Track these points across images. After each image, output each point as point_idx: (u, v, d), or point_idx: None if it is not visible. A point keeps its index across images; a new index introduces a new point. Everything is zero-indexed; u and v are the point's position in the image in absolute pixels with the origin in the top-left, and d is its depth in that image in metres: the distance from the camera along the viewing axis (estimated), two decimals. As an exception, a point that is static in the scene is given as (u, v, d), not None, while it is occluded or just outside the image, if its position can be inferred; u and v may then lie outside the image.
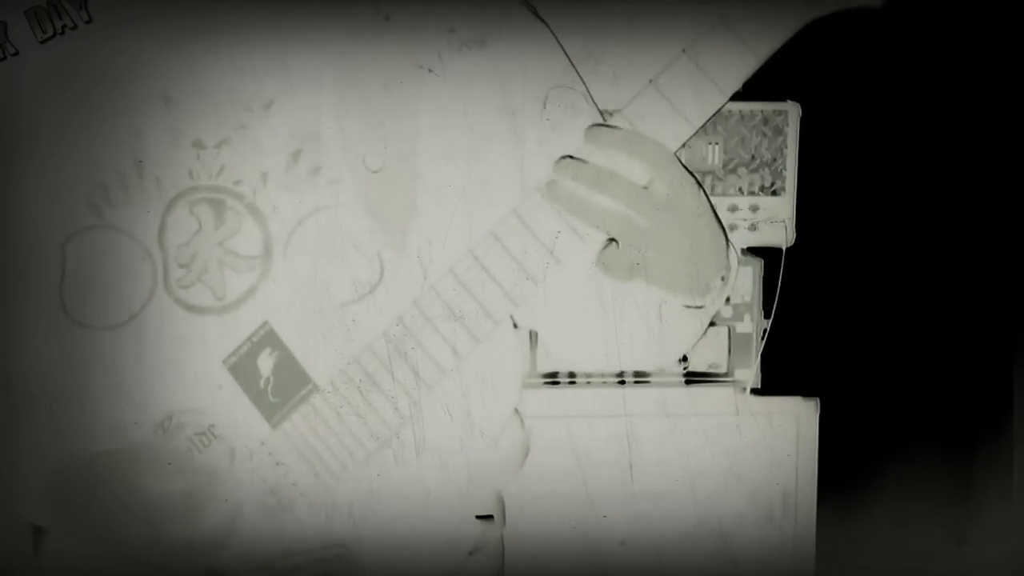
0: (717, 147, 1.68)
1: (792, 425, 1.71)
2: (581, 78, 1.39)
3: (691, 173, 1.38)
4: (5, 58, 1.32)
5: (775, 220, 1.70)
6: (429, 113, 1.38)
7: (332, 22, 1.36)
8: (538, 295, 1.40)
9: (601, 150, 1.36)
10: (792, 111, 1.67)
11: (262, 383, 1.37)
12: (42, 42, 1.33)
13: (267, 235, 1.36)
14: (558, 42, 1.39)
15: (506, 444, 1.46)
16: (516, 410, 1.47)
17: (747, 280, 1.72)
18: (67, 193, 1.34)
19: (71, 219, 1.34)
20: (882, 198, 1.73)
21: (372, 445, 1.39)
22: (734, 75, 1.36)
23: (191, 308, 1.36)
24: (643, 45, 1.40)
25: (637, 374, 1.71)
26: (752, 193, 1.69)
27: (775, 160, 1.68)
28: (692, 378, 1.73)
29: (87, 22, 1.33)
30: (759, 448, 1.70)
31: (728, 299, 1.71)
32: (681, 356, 1.67)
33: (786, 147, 1.68)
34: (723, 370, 1.73)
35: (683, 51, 1.35)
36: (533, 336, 1.67)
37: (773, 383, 1.73)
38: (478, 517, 1.45)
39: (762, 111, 1.67)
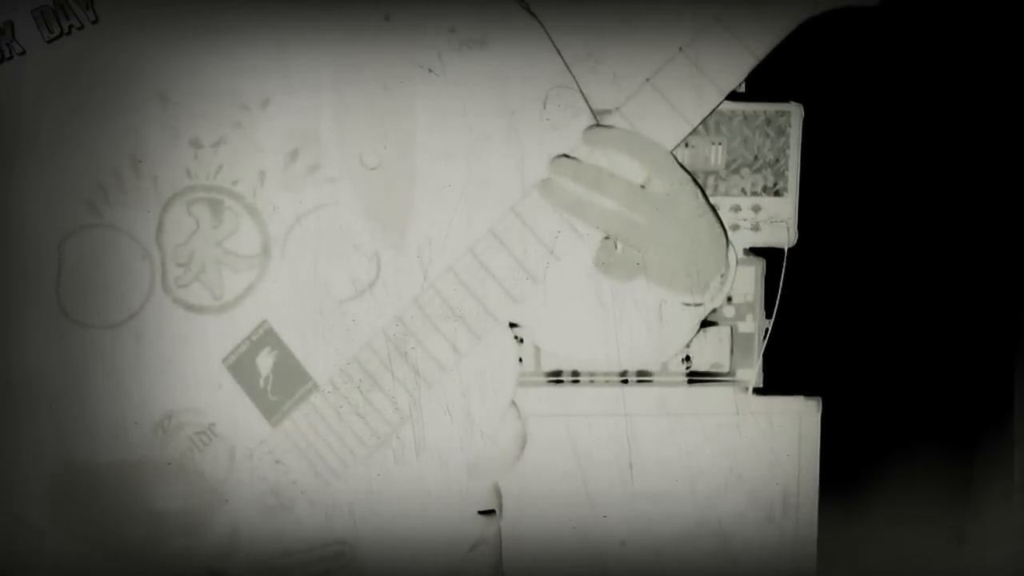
0: (720, 147, 1.67)
1: (794, 425, 1.71)
2: (574, 77, 1.40)
3: (689, 173, 1.38)
4: (12, 57, 1.33)
5: (777, 220, 1.70)
6: (429, 113, 1.38)
7: (332, 22, 1.37)
8: (538, 294, 1.40)
9: (598, 150, 1.36)
10: (795, 112, 1.67)
11: (261, 382, 1.38)
12: (49, 42, 1.33)
13: (265, 234, 1.36)
14: (551, 42, 1.39)
15: (504, 437, 1.46)
16: (513, 402, 1.47)
17: (749, 280, 1.72)
18: (66, 192, 1.34)
19: (69, 218, 1.34)
20: (884, 199, 1.73)
21: (372, 443, 1.40)
22: (731, 73, 1.36)
23: (190, 307, 1.36)
24: (643, 45, 1.40)
25: (640, 373, 1.71)
26: (755, 193, 1.69)
27: (778, 161, 1.68)
28: (695, 377, 1.73)
29: (94, 22, 1.33)
30: (759, 448, 1.70)
31: (730, 298, 1.71)
32: (673, 356, 1.67)
33: (788, 148, 1.68)
34: (725, 370, 1.73)
35: (680, 49, 1.35)
36: (536, 335, 1.67)
37: (775, 383, 1.72)
38: (480, 512, 1.45)
39: (765, 112, 1.67)
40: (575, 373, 1.71)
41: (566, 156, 1.37)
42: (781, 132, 1.67)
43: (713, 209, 1.41)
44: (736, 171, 1.68)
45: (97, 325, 1.36)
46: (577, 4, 1.44)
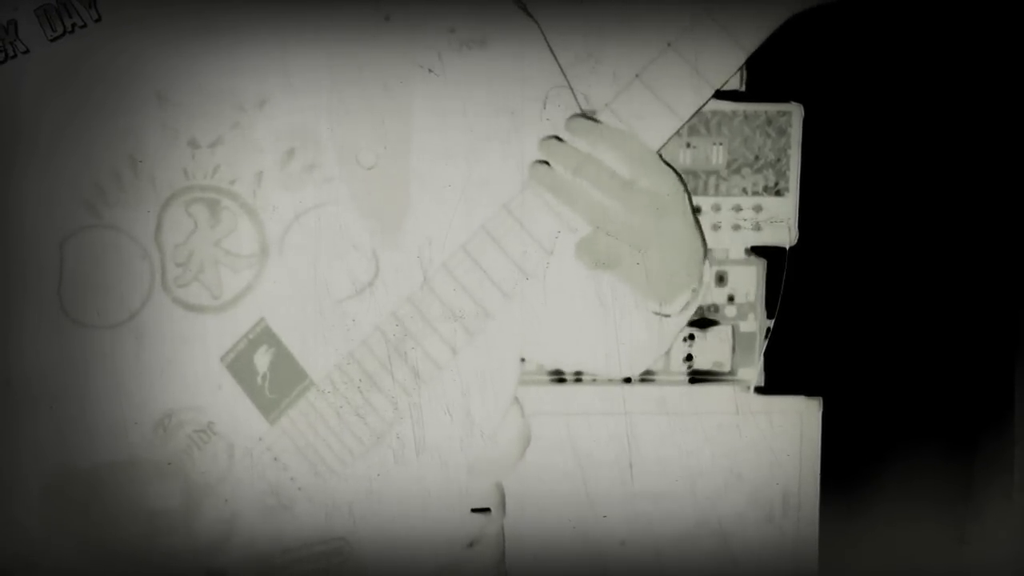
0: (721, 147, 1.68)
1: (795, 424, 1.71)
2: (566, 78, 1.39)
3: (678, 173, 1.37)
4: (16, 56, 1.33)
5: (778, 220, 1.70)
6: (429, 113, 1.38)
7: (332, 22, 1.37)
8: (537, 293, 1.40)
9: (583, 140, 1.35)
10: (795, 112, 1.67)
11: (259, 380, 1.38)
12: (52, 40, 1.33)
13: (262, 233, 1.36)
14: (546, 42, 1.39)
15: (507, 434, 1.46)
16: (516, 399, 1.47)
17: (751, 279, 1.72)
18: (65, 192, 1.34)
19: (69, 218, 1.35)
20: (884, 198, 1.73)
21: (369, 440, 1.40)
22: (720, 68, 1.35)
23: (189, 307, 1.37)
24: (643, 44, 1.40)
25: (642, 372, 1.71)
26: (756, 193, 1.69)
27: (778, 160, 1.68)
28: (696, 377, 1.73)
29: (96, 20, 1.34)
30: (760, 448, 1.70)
31: (732, 298, 1.71)
32: (648, 364, 1.66)
33: (789, 147, 1.68)
34: (727, 369, 1.73)
35: (668, 45, 1.35)
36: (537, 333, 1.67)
37: (776, 382, 1.72)
38: (473, 511, 1.45)
39: (766, 112, 1.67)
40: (577, 372, 1.71)
41: (556, 138, 1.36)
42: (782, 132, 1.67)
43: (696, 219, 1.40)
44: (737, 171, 1.68)
45: (97, 325, 1.36)
46: (577, 4, 1.43)
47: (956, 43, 1.68)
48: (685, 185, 1.38)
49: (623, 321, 1.44)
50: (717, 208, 1.68)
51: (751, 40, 1.34)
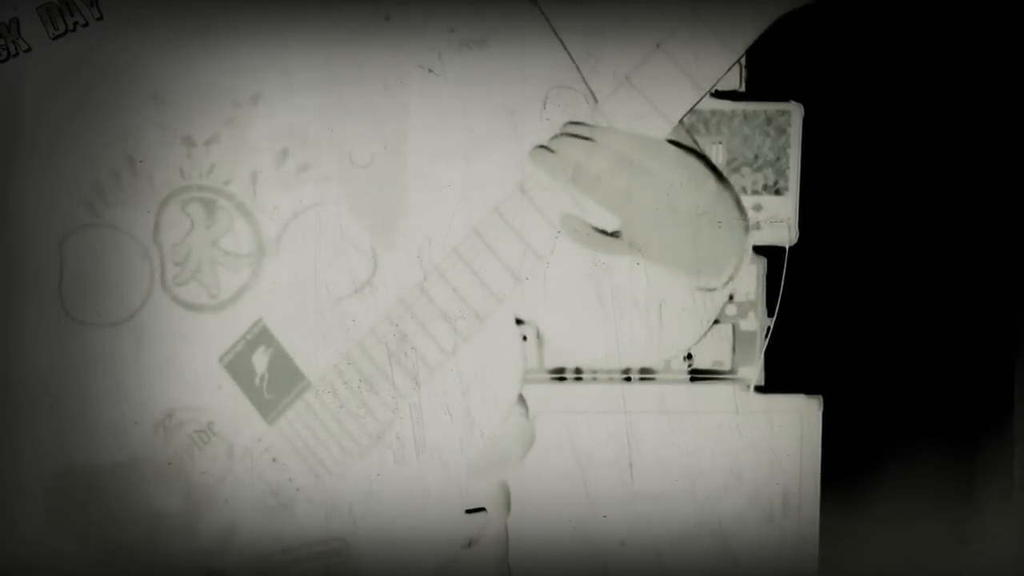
0: (721, 146, 1.68)
1: (795, 424, 1.71)
2: (580, 73, 1.39)
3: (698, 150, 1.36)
4: (18, 54, 1.33)
5: (778, 219, 1.70)
6: (428, 112, 1.38)
7: (332, 22, 1.37)
8: (538, 292, 1.40)
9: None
10: (795, 111, 1.67)
11: (257, 380, 1.38)
12: (54, 39, 1.33)
13: (259, 233, 1.36)
14: (557, 37, 1.39)
15: (510, 436, 1.46)
16: (521, 396, 1.47)
17: (751, 278, 1.72)
18: (65, 191, 1.34)
19: (69, 217, 1.35)
20: (884, 197, 1.73)
21: (367, 440, 1.40)
22: (710, 69, 1.34)
23: (188, 306, 1.36)
24: (644, 44, 1.40)
25: (643, 371, 1.71)
26: (756, 192, 1.69)
27: (778, 159, 1.68)
28: (697, 375, 1.73)
29: (98, 19, 1.34)
30: (760, 448, 1.70)
31: (732, 297, 1.71)
32: (680, 353, 1.67)
33: (789, 147, 1.68)
34: (727, 368, 1.73)
35: (657, 46, 1.34)
36: (540, 333, 1.67)
37: (776, 381, 1.73)
38: (468, 511, 1.45)
39: (765, 111, 1.67)
40: (578, 370, 1.71)
41: (575, 131, 1.35)
42: (781, 131, 1.67)
43: (733, 191, 1.37)
44: (737, 170, 1.68)
45: (97, 324, 1.36)
46: (577, 4, 1.43)
47: (956, 43, 1.68)
48: (707, 160, 1.37)
49: (651, 306, 1.43)
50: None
51: (740, 41, 1.33)
